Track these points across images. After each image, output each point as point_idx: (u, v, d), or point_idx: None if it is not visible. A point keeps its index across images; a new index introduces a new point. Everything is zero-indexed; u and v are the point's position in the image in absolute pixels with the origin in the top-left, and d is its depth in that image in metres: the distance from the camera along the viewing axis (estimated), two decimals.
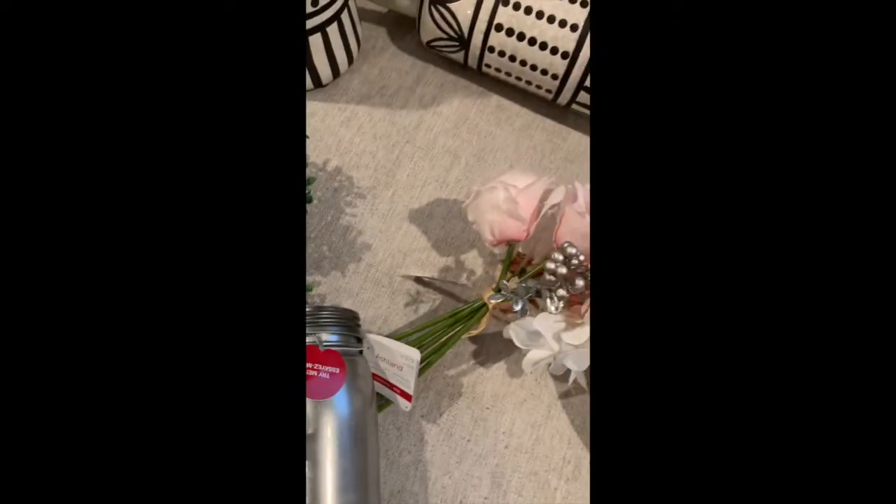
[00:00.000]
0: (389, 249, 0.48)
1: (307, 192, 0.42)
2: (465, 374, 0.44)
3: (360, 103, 0.54)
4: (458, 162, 0.53)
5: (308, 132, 0.47)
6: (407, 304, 0.46)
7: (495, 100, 0.56)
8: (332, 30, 0.49)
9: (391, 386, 0.40)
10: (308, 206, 0.44)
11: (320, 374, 0.34)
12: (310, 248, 0.47)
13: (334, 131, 0.52)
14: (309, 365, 0.34)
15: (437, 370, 0.44)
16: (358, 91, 0.55)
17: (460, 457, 0.42)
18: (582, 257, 0.37)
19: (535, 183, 0.41)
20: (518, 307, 0.38)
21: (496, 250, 0.48)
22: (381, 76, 0.56)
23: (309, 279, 0.45)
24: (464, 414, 0.43)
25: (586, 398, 0.44)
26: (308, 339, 0.37)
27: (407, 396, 0.40)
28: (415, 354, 0.39)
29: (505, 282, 0.41)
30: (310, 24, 0.47)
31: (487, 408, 0.43)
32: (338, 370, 0.35)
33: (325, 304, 0.39)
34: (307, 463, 0.33)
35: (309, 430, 0.34)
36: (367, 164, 0.51)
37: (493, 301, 0.40)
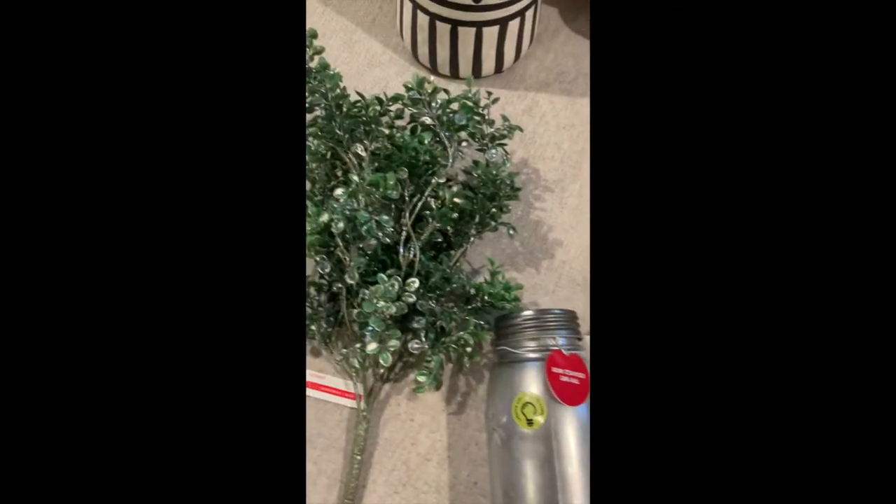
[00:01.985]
0: (582, 245, 0.47)
1: (518, 189, 0.41)
2: None
3: (539, 91, 0.52)
4: None
5: (490, 118, 0.46)
6: None
7: None
8: (514, 23, 0.47)
9: None
10: (509, 203, 0.44)
11: (570, 381, 0.34)
12: (503, 243, 0.47)
13: (517, 120, 0.50)
14: (559, 371, 0.34)
15: None
16: (536, 78, 0.53)
17: None
18: None
19: None
20: None
21: None
22: (556, 61, 0.54)
23: (506, 276, 0.44)
24: None
25: None
26: (537, 343, 0.36)
27: None
28: None
29: None
30: (498, 14, 0.45)
31: None
32: (584, 375, 0.35)
33: (548, 308, 0.38)
34: (556, 478, 0.33)
35: (551, 442, 0.34)
36: (552, 156, 0.50)
37: None
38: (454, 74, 0.51)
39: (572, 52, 0.54)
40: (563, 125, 0.51)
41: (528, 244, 0.47)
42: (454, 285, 0.39)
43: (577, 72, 0.53)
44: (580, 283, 0.45)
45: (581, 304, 0.45)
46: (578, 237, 0.47)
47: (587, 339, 0.40)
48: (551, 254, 0.46)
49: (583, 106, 0.52)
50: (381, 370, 0.40)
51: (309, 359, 0.43)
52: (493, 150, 0.40)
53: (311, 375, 0.42)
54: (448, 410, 0.41)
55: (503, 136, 0.41)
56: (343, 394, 0.41)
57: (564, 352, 0.35)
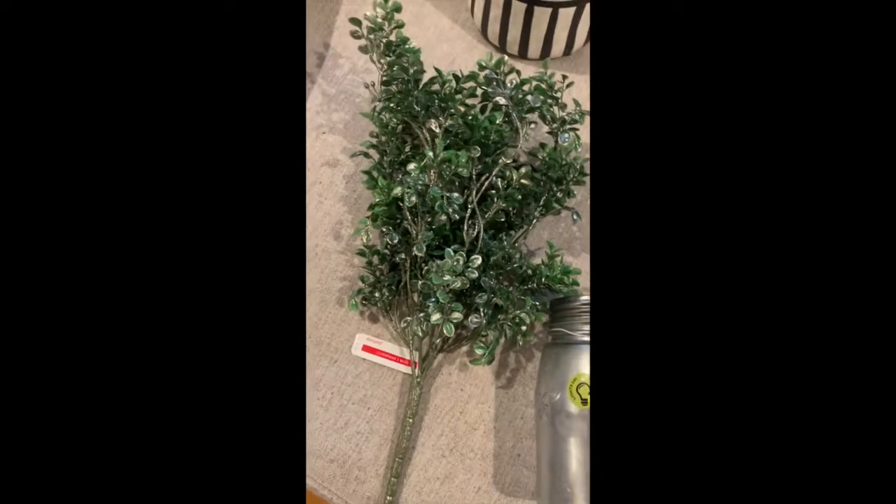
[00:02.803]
0: None
1: (587, 175, 0.42)
2: None
3: None
4: None
5: (563, 101, 0.46)
6: None
7: None
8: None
9: None
10: (575, 188, 0.44)
11: None
12: (560, 227, 0.47)
13: (583, 102, 0.50)
14: None
15: None
16: None
17: None
18: None
19: None
20: None
21: None
22: None
23: (564, 260, 0.45)
24: None
25: None
26: (570, 332, 0.37)
27: None
28: None
29: None
30: None
31: None
32: None
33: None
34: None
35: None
36: None
37: None
38: (522, 55, 0.51)
39: None
40: None
41: (586, 230, 0.47)
42: (515, 265, 0.40)
43: None
44: None
45: None
46: None
47: None
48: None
49: None
50: (438, 340, 0.41)
51: (367, 324, 0.45)
52: (566, 135, 0.40)
53: (368, 340, 0.44)
54: (497, 384, 0.43)
55: (574, 121, 0.41)
56: (398, 359, 0.43)
57: None
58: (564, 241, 0.47)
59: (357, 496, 0.41)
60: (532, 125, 0.42)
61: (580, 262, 0.46)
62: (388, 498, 0.39)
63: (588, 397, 0.35)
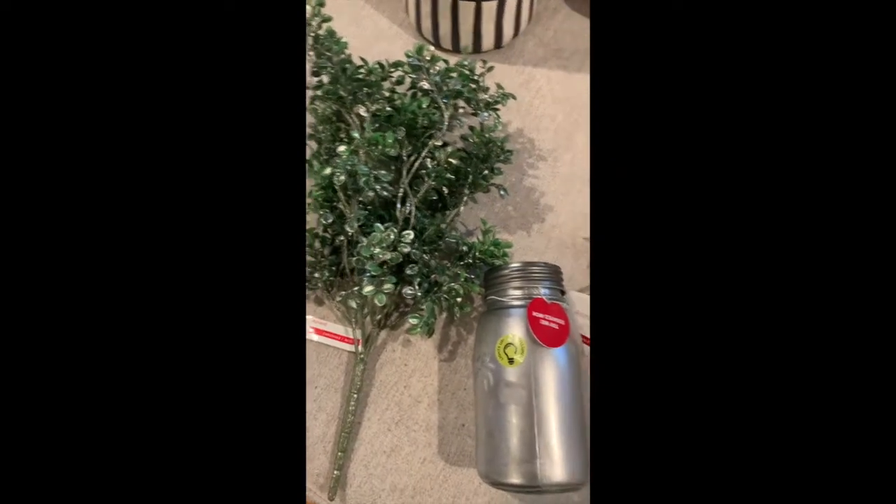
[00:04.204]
0: (571, 212, 0.49)
1: (510, 153, 0.44)
2: None
3: (537, 66, 0.55)
4: None
5: (486, 86, 0.49)
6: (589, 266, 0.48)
7: None
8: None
9: (587, 340, 0.42)
10: (501, 166, 0.46)
11: (550, 325, 0.37)
12: (497, 206, 0.49)
13: (514, 93, 0.53)
14: (540, 315, 0.37)
15: None
16: (534, 53, 0.55)
17: None
18: None
19: None
20: None
21: None
22: (555, 38, 0.56)
23: (498, 237, 0.47)
24: None
25: None
26: (524, 292, 0.39)
27: None
28: None
29: None
30: None
31: None
32: (563, 322, 0.37)
33: (533, 261, 0.41)
34: (533, 411, 0.36)
35: (531, 381, 0.37)
36: (546, 127, 0.52)
37: None
38: (455, 49, 0.54)
39: (570, 30, 0.56)
40: (559, 98, 0.53)
41: (521, 209, 0.49)
42: (447, 239, 0.42)
43: (574, 48, 0.56)
44: (569, 246, 0.48)
45: (569, 266, 0.48)
46: (569, 203, 0.50)
47: (571, 293, 0.42)
48: (542, 218, 0.49)
49: (578, 81, 0.54)
50: (378, 316, 0.43)
51: (313, 306, 0.46)
52: (486, 114, 0.43)
53: (314, 321, 0.45)
54: (440, 357, 0.45)
55: (496, 103, 0.43)
56: (343, 339, 0.44)
57: (546, 300, 0.38)
58: (501, 219, 0.49)
59: (306, 474, 0.42)
60: (461, 110, 0.45)
61: (517, 239, 0.48)
62: (335, 472, 0.40)
63: (515, 357, 0.37)
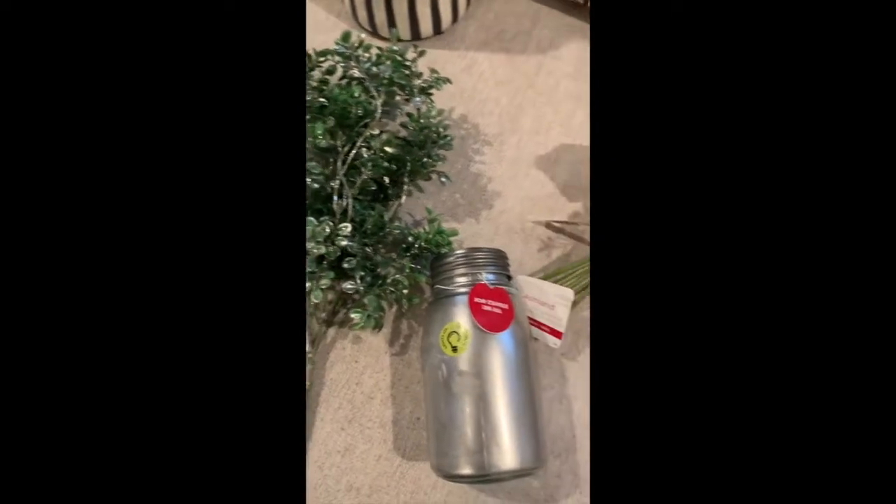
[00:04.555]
0: (519, 196, 0.49)
1: (448, 138, 0.43)
2: None
3: (479, 50, 0.54)
4: (581, 106, 0.52)
5: (420, 71, 0.48)
6: (540, 250, 0.47)
7: None
8: None
9: (539, 325, 0.42)
10: (444, 152, 0.45)
11: (493, 310, 0.36)
12: (444, 195, 0.48)
13: (456, 78, 0.52)
14: (482, 301, 0.36)
15: (576, 311, 0.45)
16: (475, 38, 0.55)
17: None
18: None
19: None
20: None
21: None
22: (497, 21, 0.55)
23: (446, 226, 0.46)
24: None
25: None
26: (469, 278, 0.38)
27: (557, 334, 0.41)
28: (568, 293, 0.40)
29: None
30: None
31: None
32: (507, 306, 0.37)
33: (477, 247, 0.40)
34: (479, 399, 0.35)
35: (476, 368, 0.36)
36: (491, 111, 0.52)
37: None
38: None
39: (512, 12, 0.56)
40: (502, 81, 0.52)
41: (468, 196, 0.49)
42: (392, 230, 0.41)
43: (516, 30, 0.55)
44: (518, 230, 0.47)
45: (518, 251, 0.47)
46: (516, 188, 0.49)
47: (520, 278, 0.42)
48: (490, 204, 0.48)
49: (522, 63, 0.53)
50: (323, 314, 0.42)
51: None
52: (418, 98, 0.42)
53: None
54: (391, 352, 0.44)
55: (430, 87, 0.42)
56: None
57: (489, 286, 0.37)
58: (448, 208, 0.48)
59: None
60: (398, 97, 0.44)
61: (465, 227, 0.47)
62: None
63: (458, 345, 0.36)
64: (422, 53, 0.42)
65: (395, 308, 0.44)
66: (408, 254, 0.42)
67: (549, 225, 0.48)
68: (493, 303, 0.36)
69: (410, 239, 0.42)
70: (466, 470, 0.34)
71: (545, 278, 0.42)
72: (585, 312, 0.45)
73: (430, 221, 0.42)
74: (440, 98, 0.52)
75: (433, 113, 0.41)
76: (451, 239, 0.42)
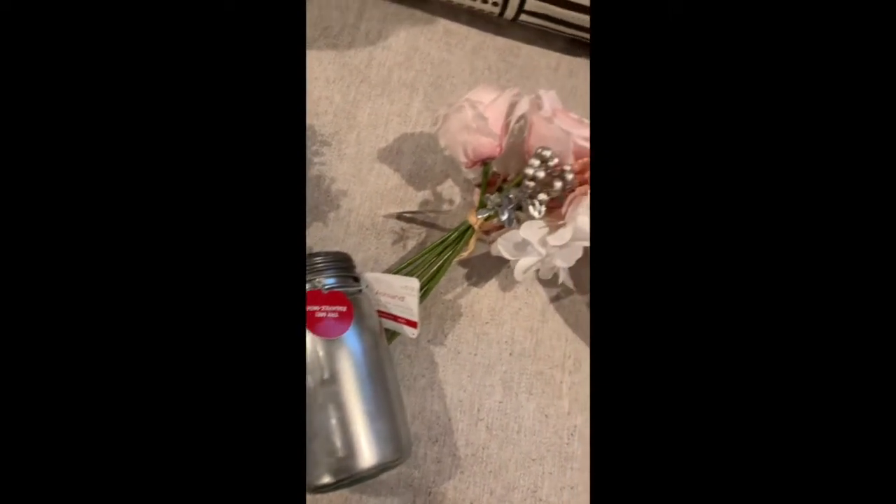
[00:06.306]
0: (366, 192, 0.48)
1: None
2: (462, 296, 0.46)
3: (306, 49, 0.52)
4: (417, 94, 0.52)
5: None
6: (395, 242, 0.47)
7: (442, 25, 0.55)
8: None
9: (395, 318, 0.42)
10: None
11: (328, 316, 0.35)
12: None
13: None
14: (315, 308, 0.35)
15: (435, 297, 0.46)
16: None
17: (471, 371, 0.44)
18: (556, 160, 0.38)
19: (499, 97, 0.41)
20: (505, 217, 0.40)
21: (471, 174, 0.49)
22: (321, 16, 0.54)
23: None
24: (466, 332, 0.45)
25: (575, 298, 0.47)
26: (308, 286, 0.37)
27: (412, 324, 0.41)
28: (413, 283, 0.40)
29: (489, 195, 0.42)
30: None
31: (487, 322, 0.46)
32: (344, 308, 0.36)
33: (316, 252, 0.39)
34: (331, 405, 0.35)
35: (325, 375, 0.35)
36: (325, 111, 0.50)
37: (479, 217, 0.41)
38: None
39: (337, 6, 0.55)
40: (332, 79, 0.51)
41: (312, 199, 0.47)
42: None
43: (342, 24, 0.54)
44: (369, 227, 0.47)
45: (373, 247, 0.47)
46: (361, 184, 0.48)
47: (367, 275, 0.41)
48: (337, 205, 0.47)
49: (350, 58, 0.52)
50: None
51: None
52: None
53: None
54: None
55: None
56: None
57: (323, 291, 0.36)
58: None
59: None
60: None
61: (313, 232, 0.46)
62: None
63: (311, 357, 0.35)
64: None
65: None
66: None
67: (400, 216, 0.48)
68: (328, 307, 0.35)
69: None
70: (326, 478, 0.34)
71: (405, 266, 0.42)
72: (447, 295, 0.46)
73: None
74: None
75: None
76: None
